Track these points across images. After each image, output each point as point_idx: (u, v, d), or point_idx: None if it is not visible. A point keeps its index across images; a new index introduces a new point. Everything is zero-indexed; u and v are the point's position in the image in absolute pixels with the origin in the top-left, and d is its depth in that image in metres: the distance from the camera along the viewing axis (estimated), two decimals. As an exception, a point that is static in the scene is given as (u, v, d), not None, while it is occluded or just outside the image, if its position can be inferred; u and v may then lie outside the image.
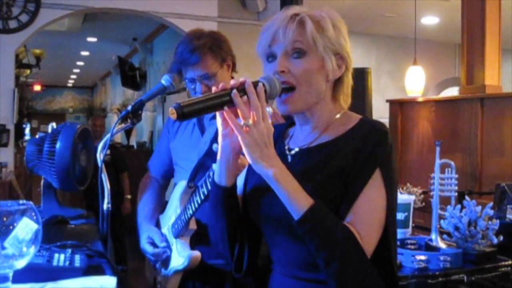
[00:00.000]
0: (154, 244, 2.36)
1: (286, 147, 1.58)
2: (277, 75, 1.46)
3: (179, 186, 2.35)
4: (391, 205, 1.44)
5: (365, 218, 1.39)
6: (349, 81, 1.56)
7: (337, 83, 1.54)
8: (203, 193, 2.07)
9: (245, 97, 1.37)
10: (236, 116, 1.37)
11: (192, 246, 2.28)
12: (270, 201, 1.46)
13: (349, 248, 1.35)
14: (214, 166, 2.02)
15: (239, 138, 1.36)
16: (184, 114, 1.31)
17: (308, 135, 1.55)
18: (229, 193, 1.52)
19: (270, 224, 1.52)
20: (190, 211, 2.18)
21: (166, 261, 2.35)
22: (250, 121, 1.35)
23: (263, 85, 1.40)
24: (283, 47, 1.47)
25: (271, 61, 1.50)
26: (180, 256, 2.26)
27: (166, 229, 2.39)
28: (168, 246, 2.33)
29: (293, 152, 1.55)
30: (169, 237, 2.36)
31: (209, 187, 2.05)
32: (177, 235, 2.29)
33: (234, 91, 1.36)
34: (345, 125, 1.51)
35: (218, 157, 1.48)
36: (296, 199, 1.36)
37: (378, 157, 1.42)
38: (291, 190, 1.36)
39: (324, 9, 1.53)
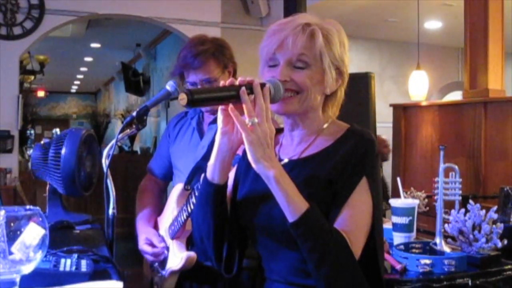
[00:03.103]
0: (152, 245, 2.38)
1: (277, 157, 1.55)
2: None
3: (176, 188, 2.38)
4: (377, 212, 1.46)
5: (352, 224, 1.41)
6: (341, 95, 1.59)
7: (330, 96, 1.56)
8: None
9: (251, 96, 1.37)
10: (240, 113, 1.37)
11: (189, 247, 2.30)
12: (268, 210, 1.47)
13: (340, 252, 1.37)
14: None
15: (244, 135, 1.35)
16: (194, 100, 1.32)
17: (298, 145, 1.57)
18: (220, 191, 1.51)
19: (265, 231, 1.52)
20: (186, 213, 2.21)
21: (163, 262, 2.37)
22: (256, 120, 1.35)
23: (269, 87, 1.42)
24: (288, 57, 1.48)
25: (272, 66, 1.51)
26: (177, 256, 2.29)
27: (163, 230, 2.42)
28: (166, 247, 2.35)
29: (282, 163, 1.54)
30: (166, 238, 2.39)
31: None
32: (174, 236, 2.32)
33: (243, 88, 1.36)
34: (333, 134, 1.53)
35: (214, 153, 1.47)
36: (293, 201, 1.36)
37: (365, 167, 1.45)
38: (290, 192, 1.37)
39: (331, 22, 1.54)
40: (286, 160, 1.56)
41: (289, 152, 1.58)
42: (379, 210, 1.49)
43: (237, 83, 1.39)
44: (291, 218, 1.37)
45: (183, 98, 1.31)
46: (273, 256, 1.54)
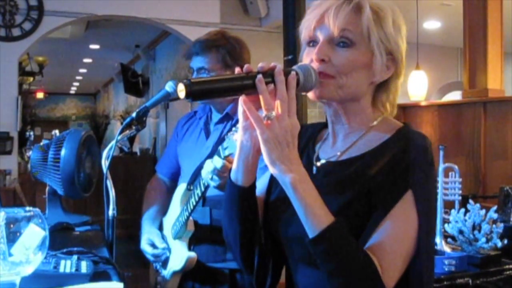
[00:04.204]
0: (154, 246, 2.38)
1: (315, 155, 1.39)
2: (315, 63, 1.26)
3: (180, 188, 2.38)
4: (425, 234, 1.21)
5: (387, 246, 1.18)
6: (396, 87, 1.36)
7: (381, 87, 1.34)
8: (197, 194, 2.12)
9: (271, 86, 1.17)
10: (257, 106, 1.18)
11: (191, 248, 2.31)
12: (288, 218, 1.29)
13: (366, 280, 1.15)
14: (206, 163, 2.04)
15: (258, 132, 1.16)
16: (193, 92, 1.12)
17: (339, 144, 1.36)
18: (246, 194, 1.31)
19: (287, 243, 1.35)
20: (187, 213, 2.23)
21: (165, 262, 2.38)
22: (274, 114, 1.15)
23: (297, 74, 1.21)
24: (329, 32, 1.26)
25: (312, 46, 1.30)
26: (178, 257, 2.29)
27: (167, 230, 2.43)
28: (168, 248, 2.35)
29: (319, 163, 1.36)
30: (169, 239, 2.39)
31: (203, 188, 2.08)
32: (176, 236, 2.32)
33: (260, 76, 1.16)
34: (382, 134, 1.31)
35: (237, 152, 1.28)
36: (314, 214, 1.16)
37: (411, 179, 1.21)
38: (310, 202, 1.16)
39: (384, 1, 1.31)
40: (323, 161, 1.36)
41: (329, 151, 1.37)
42: (428, 233, 1.23)
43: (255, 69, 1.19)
44: (310, 233, 1.16)
45: (181, 89, 1.13)
46: (297, 270, 1.36)
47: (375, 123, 1.33)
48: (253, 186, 1.32)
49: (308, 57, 1.29)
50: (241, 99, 1.19)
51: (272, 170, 1.18)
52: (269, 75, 1.18)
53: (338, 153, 1.34)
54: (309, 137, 1.45)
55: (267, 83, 1.16)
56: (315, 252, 1.16)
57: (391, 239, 1.18)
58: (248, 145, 1.25)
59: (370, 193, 1.22)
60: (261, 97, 1.16)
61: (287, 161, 1.16)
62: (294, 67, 1.23)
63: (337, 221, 1.16)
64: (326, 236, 1.14)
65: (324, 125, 1.45)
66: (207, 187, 2.07)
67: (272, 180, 1.42)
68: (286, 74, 1.19)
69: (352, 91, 1.28)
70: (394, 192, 1.20)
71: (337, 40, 1.26)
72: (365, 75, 1.28)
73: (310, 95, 1.28)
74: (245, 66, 1.18)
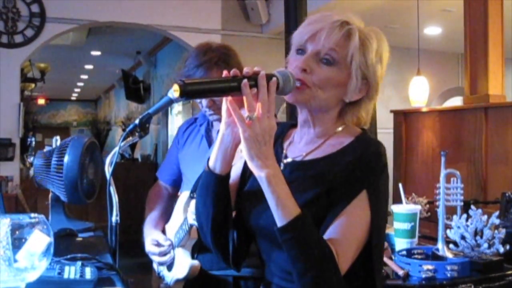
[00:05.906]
0: (159, 245, 2.38)
1: (284, 153, 1.55)
2: (297, 70, 1.42)
3: (183, 196, 2.38)
4: (376, 227, 1.40)
5: (342, 236, 1.36)
6: (367, 108, 1.52)
7: (351, 104, 1.50)
8: None
9: (254, 89, 1.32)
10: (240, 106, 1.33)
11: (194, 256, 2.31)
12: (260, 211, 1.44)
13: (324, 264, 1.31)
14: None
15: (240, 130, 1.31)
16: (187, 92, 1.29)
17: (304, 146, 1.53)
18: (221, 182, 1.46)
19: (259, 231, 1.50)
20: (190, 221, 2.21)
21: (171, 264, 2.37)
22: (255, 115, 1.30)
23: (277, 79, 1.36)
24: (318, 48, 1.43)
25: (300, 54, 1.46)
26: (181, 265, 2.29)
27: (170, 238, 2.41)
28: (172, 245, 2.35)
29: (285, 161, 1.52)
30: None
31: None
32: (179, 244, 2.32)
33: (245, 80, 1.31)
34: (342, 141, 1.47)
35: (217, 143, 1.43)
36: (284, 206, 1.32)
37: (366, 180, 1.40)
38: (281, 195, 1.32)
39: (374, 29, 1.50)
40: (289, 160, 1.52)
41: (295, 151, 1.54)
42: (379, 227, 1.42)
43: (240, 73, 1.34)
44: (279, 222, 1.32)
45: (176, 89, 1.29)
46: (269, 257, 1.51)
47: (339, 129, 1.51)
48: (228, 176, 1.47)
49: (294, 63, 1.45)
50: (227, 99, 1.35)
51: (250, 164, 1.34)
52: (253, 79, 1.33)
53: (303, 154, 1.51)
54: (278, 135, 1.57)
55: (250, 87, 1.31)
56: (282, 239, 1.32)
57: (346, 230, 1.37)
58: (228, 139, 1.42)
59: (331, 191, 1.39)
60: (245, 99, 1.31)
61: (263, 158, 1.32)
62: (275, 72, 1.37)
63: (303, 213, 1.33)
64: (293, 225, 1.31)
65: (292, 125, 1.62)
66: None
67: (245, 172, 1.59)
68: (268, 79, 1.34)
69: (322, 103, 1.46)
70: (351, 191, 1.39)
71: (322, 56, 1.43)
72: (338, 93, 1.46)
73: (287, 97, 1.44)
74: (232, 70, 1.33)
